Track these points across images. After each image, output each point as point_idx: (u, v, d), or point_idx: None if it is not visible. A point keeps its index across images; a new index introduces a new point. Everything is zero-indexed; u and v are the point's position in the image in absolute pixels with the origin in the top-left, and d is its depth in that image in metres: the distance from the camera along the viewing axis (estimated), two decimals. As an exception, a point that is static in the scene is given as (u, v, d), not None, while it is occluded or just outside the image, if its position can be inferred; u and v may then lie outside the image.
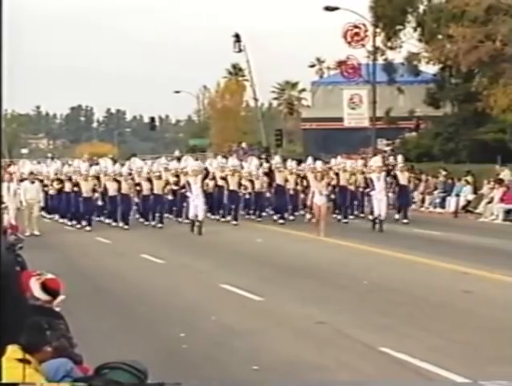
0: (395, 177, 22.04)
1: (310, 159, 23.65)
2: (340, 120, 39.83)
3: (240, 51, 45.92)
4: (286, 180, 22.92)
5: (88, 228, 21.06)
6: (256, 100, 49.71)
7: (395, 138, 38.46)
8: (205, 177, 21.40)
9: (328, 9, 34.39)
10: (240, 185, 22.48)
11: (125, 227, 21.28)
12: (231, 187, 22.45)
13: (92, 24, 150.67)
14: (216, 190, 22.98)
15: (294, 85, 66.10)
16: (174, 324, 9.31)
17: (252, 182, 22.84)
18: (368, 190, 21.18)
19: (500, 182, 23.86)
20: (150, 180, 22.17)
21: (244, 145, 47.40)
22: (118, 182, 22.01)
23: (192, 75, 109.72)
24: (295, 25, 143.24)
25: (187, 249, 16.99)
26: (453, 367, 7.09)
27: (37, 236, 19.40)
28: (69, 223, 22.45)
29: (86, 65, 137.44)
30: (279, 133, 45.39)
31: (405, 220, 21.50)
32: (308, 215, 21.56)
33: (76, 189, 21.77)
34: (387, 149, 37.11)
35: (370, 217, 20.80)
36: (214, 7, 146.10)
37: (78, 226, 21.61)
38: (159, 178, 22.41)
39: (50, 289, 5.09)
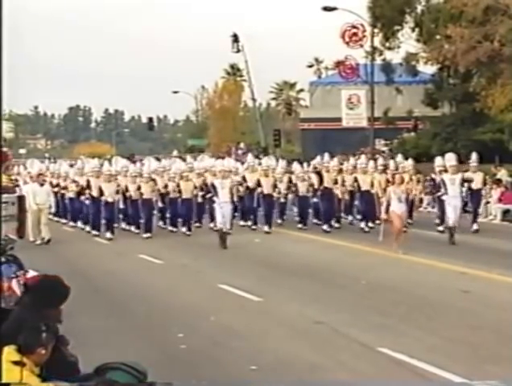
0: (468, 179, 18.71)
1: (392, 160, 21.16)
2: (339, 120, 39.91)
3: (238, 51, 46.03)
4: (336, 182, 20.03)
5: (108, 236, 18.76)
6: (254, 100, 49.85)
7: (393, 138, 38.56)
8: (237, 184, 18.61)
9: (326, 9, 34.46)
10: (275, 187, 20.05)
11: (148, 235, 18.96)
12: (265, 191, 19.82)
13: (90, 24, 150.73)
14: (247, 194, 20.25)
15: (292, 85, 66.21)
16: (172, 324, 9.32)
17: (295, 185, 20.38)
18: (439, 193, 18.17)
19: (498, 182, 23.88)
20: (174, 182, 19.74)
21: (242, 145, 47.44)
22: (139, 184, 19.50)
23: (190, 75, 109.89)
24: (293, 25, 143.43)
25: (185, 249, 17.00)
26: (450, 367, 7.10)
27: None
28: (93, 232, 19.74)
29: (84, 65, 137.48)
30: (277, 133, 45.49)
31: (474, 226, 19.07)
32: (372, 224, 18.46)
33: (96, 192, 19.08)
34: (385, 149, 37.19)
35: (440, 228, 18.55)
36: (212, 7, 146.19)
37: (96, 233, 19.28)
38: (187, 179, 19.81)
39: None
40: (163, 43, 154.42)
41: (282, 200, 20.77)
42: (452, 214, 17.11)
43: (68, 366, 4.81)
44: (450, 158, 18.32)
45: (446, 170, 18.28)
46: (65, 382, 4.16)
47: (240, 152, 43.17)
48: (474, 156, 19.59)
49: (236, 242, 16.88)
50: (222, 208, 16.94)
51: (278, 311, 10.05)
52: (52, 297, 4.83)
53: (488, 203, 23.31)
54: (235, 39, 45.46)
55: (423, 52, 34.09)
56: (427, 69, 37.36)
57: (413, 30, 35.23)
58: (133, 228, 20.03)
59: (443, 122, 35.48)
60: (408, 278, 12.54)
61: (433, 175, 20.45)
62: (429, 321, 9.30)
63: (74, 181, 21.68)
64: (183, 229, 19.67)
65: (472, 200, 19.30)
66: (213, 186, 17.41)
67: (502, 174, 25.40)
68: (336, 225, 20.20)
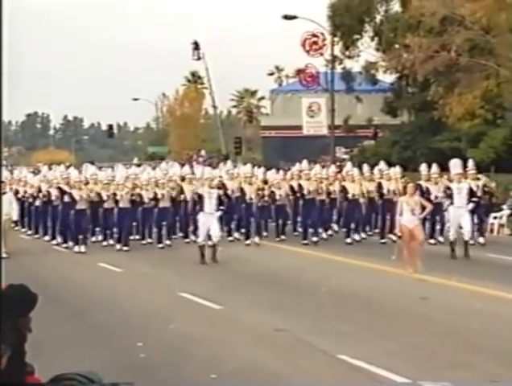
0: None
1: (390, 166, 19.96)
2: (299, 128, 40.09)
3: (199, 58, 45.98)
4: (318, 190, 19.12)
5: (82, 249, 17.43)
6: (215, 107, 49.82)
7: (354, 146, 38.87)
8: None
9: (287, 17, 34.64)
10: (257, 196, 19.14)
11: (125, 248, 17.86)
12: (248, 198, 19.00)
13: (49, 30, 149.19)
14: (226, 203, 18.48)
15: (253, 93, 66.37)
16: (132, 333, 9.22)
17: (273, 192, 19.50)
18: (447, 202, 16.95)
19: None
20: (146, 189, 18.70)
21: (203, 152, 47.32)
22: (114, 191, 18.40)
23: (150, 82, 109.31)
24: (253, 33, 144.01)
25: (145, 258, 16.86)
26: (409, 373, 7.14)
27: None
28: (55, 242, 19.16)
29: (42, 71, 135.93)
30: (238, 140, 45.52)
31: (481, 239, 17.85)
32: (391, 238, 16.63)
33: (67, 200, 17.90)
34: (346, 157, 37.46)
35: (432, 241, 17.62)
36: (173, 15, 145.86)
37: (65, 245, 18.22)
38: (163, 187, 18.91)
39: None
40: (124, 49, 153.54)
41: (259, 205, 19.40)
42: (458, 224, 15.83)
43: (23, 376, 4.71)
44: (456, 165, 16.53)
45: (429, 179, 17.87)
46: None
47: (201, 159, 43.02)
48: (471, 163, 17.76)
49: (195, 250, 16.78)
50: (208, 219, 15.73)
51: (238, 319, 10.02)
52: (21, 306, 4.73)
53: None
54: (196, 46, 45.40)
55: (382, 61, 34.50)
56: (387, 78, 37.90)
57: (372, 39, 35.63)
58: (104, 241, 18.88)
59: (402, 130, 35.90)
60: (368, 285, 12.62)
61: (420, 182, 19.32)
62: (388, 327, 9.37)
63: (40, 189, 20.71)
64: (162, 245, 18.42)
65: (477, 210, 17.32)
66: (199, 196, 16.26)
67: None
68: (324, 236, 19.34)
